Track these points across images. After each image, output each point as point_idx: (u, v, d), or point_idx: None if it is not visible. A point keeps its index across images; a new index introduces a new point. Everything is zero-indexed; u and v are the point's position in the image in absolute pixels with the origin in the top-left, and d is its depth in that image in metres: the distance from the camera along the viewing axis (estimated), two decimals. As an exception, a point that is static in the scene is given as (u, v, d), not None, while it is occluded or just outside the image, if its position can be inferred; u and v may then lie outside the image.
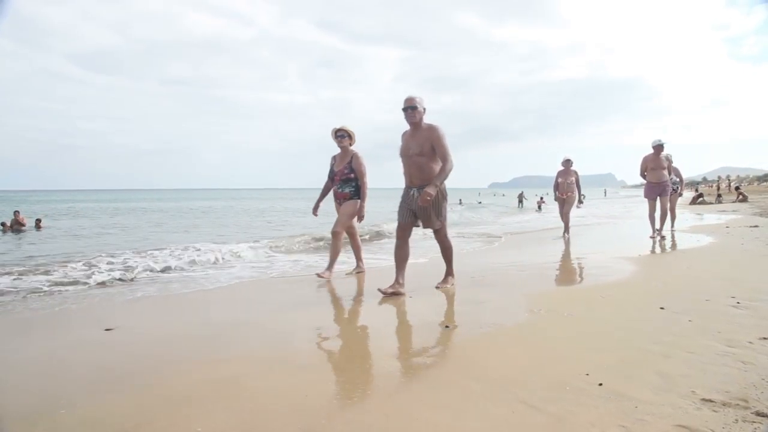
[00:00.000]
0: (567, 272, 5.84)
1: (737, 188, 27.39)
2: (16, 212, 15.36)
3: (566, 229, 9.57)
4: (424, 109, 4.33)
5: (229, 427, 1.93)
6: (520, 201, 32.29)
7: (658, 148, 8.33)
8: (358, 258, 5.79)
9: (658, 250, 7.28)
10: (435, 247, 4.78)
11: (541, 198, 30.78)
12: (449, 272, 4.71)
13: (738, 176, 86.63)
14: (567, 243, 8.69)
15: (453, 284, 4.66)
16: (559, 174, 9.74)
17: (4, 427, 2.01)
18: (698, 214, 14.99)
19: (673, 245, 7.75)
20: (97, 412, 2.13)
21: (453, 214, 20.03)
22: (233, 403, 2.15)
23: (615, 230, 11.61)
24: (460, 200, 36.65)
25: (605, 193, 50.88)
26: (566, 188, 9.63)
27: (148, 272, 6.20)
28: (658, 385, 2.19)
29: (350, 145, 5.43)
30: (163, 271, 6.35)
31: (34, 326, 3.80)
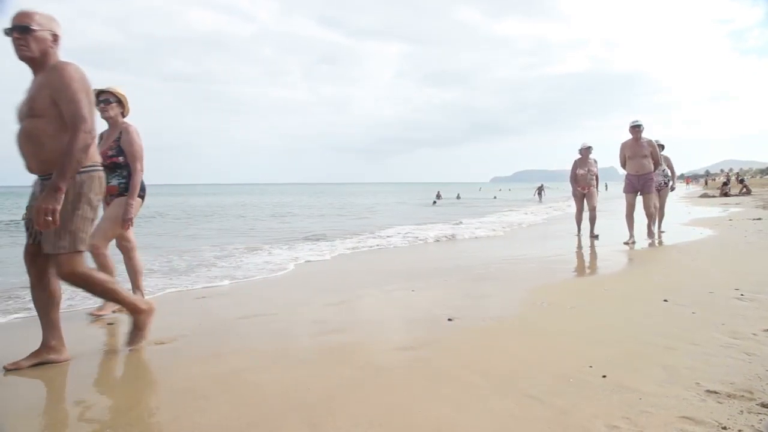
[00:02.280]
0: (570, 266, 5.82)
1: (741, 180, 27.25)
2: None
3: (591, 230, 7.87)
4: (54, 36, 2.45)
5: (231, 421, 1.93)
6: (540, 193, 30.70)
7: (634, 129, 6.88)
8: (135, 285, 3.82)
9: (659, 243, 7.24)
10: (448, 253, 4.71)
11: (541, 186, 32.72)
12: (42, 348, 2.58)
13: (741, 169, 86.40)
14: (582, 239, 7.82)
15: (55, 359, 2.59)
16: (577, 164, 8.03)
17: (6, 422, 2.01)
18: (702, 207, 14.95)
19: (660, 242, 7.23)
20: (100, 405, 2.13)
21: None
22: (235, 396, 2.15)
23: (616, 223, 11.56)
24: (458, 195, 35.35)
25: (606, 187, 50.75)
26: (587, 181, 8.01)
27: (156, 266, 6.20)
28: (662, 377, 2.19)
29: (123, 116, 3.67)
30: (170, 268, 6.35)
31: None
